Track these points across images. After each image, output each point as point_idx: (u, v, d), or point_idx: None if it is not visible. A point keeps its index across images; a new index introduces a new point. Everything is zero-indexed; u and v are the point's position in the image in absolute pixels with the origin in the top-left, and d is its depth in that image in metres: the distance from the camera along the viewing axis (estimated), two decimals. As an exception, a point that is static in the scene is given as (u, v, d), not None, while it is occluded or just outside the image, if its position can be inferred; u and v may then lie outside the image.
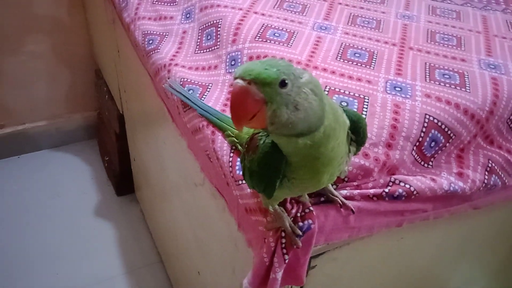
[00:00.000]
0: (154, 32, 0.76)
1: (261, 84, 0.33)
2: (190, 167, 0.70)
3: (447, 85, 0.58)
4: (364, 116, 0.52)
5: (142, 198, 1.31)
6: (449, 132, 0.55)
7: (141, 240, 1.27)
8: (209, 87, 0.64)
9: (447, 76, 0.59)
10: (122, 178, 1.37)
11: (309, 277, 0.54)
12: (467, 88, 0.58)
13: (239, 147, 0.52)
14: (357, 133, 0.42)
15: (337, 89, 0.56)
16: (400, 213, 0.52)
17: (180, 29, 0.75)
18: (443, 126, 0.54)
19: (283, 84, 0.34)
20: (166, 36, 0.75)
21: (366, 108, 0.53)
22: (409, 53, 0.64)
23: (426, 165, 0.55)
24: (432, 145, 0.54)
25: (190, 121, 0.62)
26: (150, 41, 0.75)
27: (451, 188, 0.53)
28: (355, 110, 0.53)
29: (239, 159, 0.52)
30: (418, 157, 0.54)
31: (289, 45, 0.63)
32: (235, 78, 0.34)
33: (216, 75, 0.65)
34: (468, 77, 0.59)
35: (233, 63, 0.64)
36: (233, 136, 0.53)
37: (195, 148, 0.64)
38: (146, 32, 0.77)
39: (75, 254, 1.23)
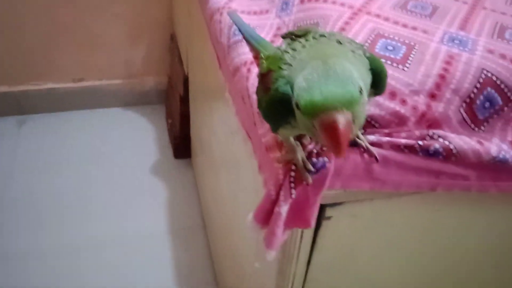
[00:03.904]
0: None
1: (351, 106, 0.31)
2: (229, 114, 0.69)
3: (517, 44, 0.50)
4: (408, 64, 0.47)
5: (196, 163, 1.33)
6: (509, 94, 0.47)
7: (189, 204, 1.29)
8: (256, 29, 0.61)
9: (520, 37, 0.52)
10: (181, 141, 1.40)
11: (322, 229, 0.50)
12: (541, 50, 0.50)
13: None
14: (377, 85, 0.39)
15: (385, 34, 0.51)
16: (435, 174, 0.46)
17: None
18: (502, 86, 0.47)
19: (361, 92, 0.32)
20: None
21: (413, 55, 0.48)
22: (481, 12, 0.57)
23: (477, 128, 0.48)
24: (486, 105, 0.47)
25: (232, 61, 0.61)
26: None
27: (501, 156, 0.46)
28: (401, 55, 0.48)
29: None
30: (467, 116, 0.47)
31: (345, -9, 0.59)
32: (323, 109, 0.31)
33: (265, 19, 0.63)
34: (545, 41, 0.51)
35: (284, 7, 0.61)
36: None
37: (233, 91, 0.63)
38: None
39: (125, 206, 1.27)
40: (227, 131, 0.75)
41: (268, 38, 0.59)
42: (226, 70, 0.66)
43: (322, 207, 0.48)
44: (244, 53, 0.57)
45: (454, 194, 0.51)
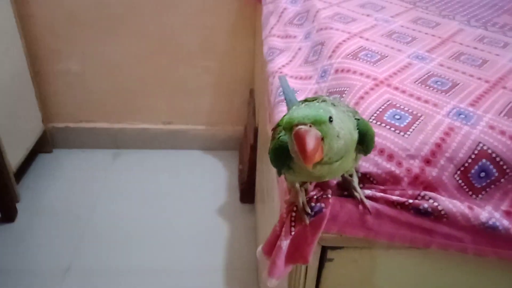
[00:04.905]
0: (277, 47, 0.88)
1: (318, 124, 0.41)
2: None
3: (522, 123, 0.55)
4: (410, 132, 0.54)
5: (258, 209, 1.42)
6: (504, 166, 0.52)
7: (247, 246, 1.38)
8: (297, 92, 0.72)
9: (528, 116, 0.56)
10: (247, 187, 1.51)
11: (325, 271, 0.56)
12: (544, 130, 0.54)
13: None
14: (363, 143, 0.47)
15: (397, 104, 0.58)
16: (426, 231, 0.51)
17: (298, 46, 0.85)
18: (497, 159, 0.52)
19: (330, 120, 0.41)
20: (285, 50, 0.86)
21: (417, 125, 0.55)
22: (499, 91, 0.62)
23: (474, 196, 0.53)
24: (481, 175, 0.52)
25: (275, 117, 0.71)
26: (271, 54, 0.87)
27: (490, 222, 0.50)
28: (406, 123, 0.55)
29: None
30: (463, 183, 0.52)
31: (375, 65, 0.68)
32: (296, 125, 0.41)
33: (307, 84, 0.73)
34: (553, 122, 0.55)
35: (323, 74, 0.71)
36: None
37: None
38: (271, 46, 0.89)
39: (188, 240, 1.39)
40: (275, 182, 0.84)
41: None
42: (272, 124, 0.77)
43: (324, 249, 0.55)
44: (282, 111, 0.68)
45: (458, 257, 0.55)
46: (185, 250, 1.36)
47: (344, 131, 0.43)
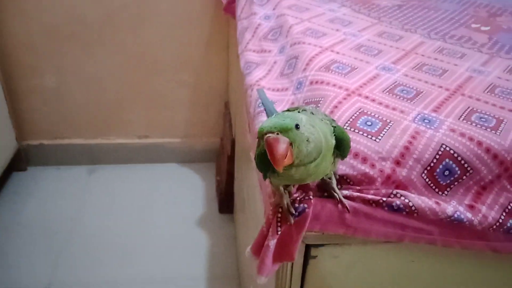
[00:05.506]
0: (253, 61, 0.93)
1: (285, 131, 0.46)
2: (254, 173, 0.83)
3: (478, 126, 0.61)
4: (381, 136, 0.59)
5: (237, 219, 1.46)
6: (466, 165, 0.58)
7: (227, 255, 1.41)
8: (275, 103, 0.77)
9: (483, 120, 0.63)
10: (226, 198, 1.55)
11: (310, 267, 0.61)
12: (498, 131, 0.60)
13: None
14: (340, 148, 0.52)
15: (368, 112, 0.64)
16: (399, 226, 0.57)
17: (273, 60, 0.90)
18: (459, 158, 0.58)
19: (297, 127, 0.46)
20: (261, 64, 0.91)
21: (386, 130, 0.60)
22: (458, 97, 0.68)
23: (440, 192, 0.58)
24: (446, 173, 0.58)
25: (255, 127, 0.75)
26: (248, 67, 0.92)
27: (455, 215, 0.56)
28: (377, 129, 0.61)
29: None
30: (430, 182, 0.58)
31: (346, 76, 0.73)
32: (265, 134, 0.46)
33: (284, 95, 0.78)
34: (505, 123, 0.62)
35: (298, 86, 0.77)
36: None
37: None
38: (248, 60, 0.94)
39: (169, 250, 1.42)
40: (255, 189, 0.88)
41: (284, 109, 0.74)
42: (252, 134, 0.81)
43: (308, 247, 0.60)
44: (262, 121, 0.72)
45: (427, 248, 0.60)
46: (166, 261, 1.38)
47: (315, 135, 0.47)
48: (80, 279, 1.30)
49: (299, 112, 0.53)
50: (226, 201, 1.55)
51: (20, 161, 1.69)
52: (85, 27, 1.52)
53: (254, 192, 1.00)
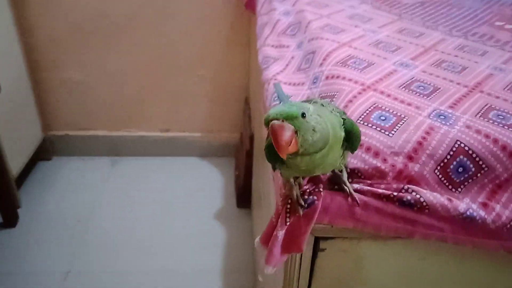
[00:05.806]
0: (271, 56, 0.93)
1: (291, 119, 0.46)
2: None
3: (496, 123, 0.60)
4: (394, 131, 0.59)
5: (254, 213, 1.47)
6: (480, 162, 0.57)
7: (244, 249, 1.42)
8: (291, 97, 0.77)
9: (501, 117, 0.61)
10: (243, 192, 1.55)
11: (319, 260, 0.61)
12: (516, 129, 0.59)
13: None
14: (349, 140, 0.52)
15: (382, 107, 0.63)
16: (410, 222, 0.56)
17: (291, 55, 0.90)
18: (474, 155, 0.57)
19: (303, 115, 0.46)
20: (279, 59, 0.91)
21: (400, 125, 0.60)
22: (476, 95, 0.67)
23: (454, 189, 0.58)
24: (460, 170, 0.57)
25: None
26: (266, 62, 0.92)
27: (468, 213, 0.55)
28: (390, 123, 0.60)
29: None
30: (443, 178, 0.57)
31: (363, 71, 0.73)
32: (271, 120, 0.46)
33: (300, 89, 0.78)
34: (524, 121, 0.61)
35: (314, 81, 0.77)
36: None
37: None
38: (266, 55, 0.94)
39: (187, 243, 1.43)
40: (270, 184, 0.89)
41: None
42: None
43: (317, 240, 0.60)
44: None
45: (438, 246, 0.60)
46: (183, 253, 1.40)
47: (322, 125, 0.47)
48: (98, 268, 1.33)
49: (310, 103, 0.53)
50: (244, 195, 1.56)
51: (46, 151, 1.73)
52: (109, 23, 1.55)
53: (269, 187, 1.01)
